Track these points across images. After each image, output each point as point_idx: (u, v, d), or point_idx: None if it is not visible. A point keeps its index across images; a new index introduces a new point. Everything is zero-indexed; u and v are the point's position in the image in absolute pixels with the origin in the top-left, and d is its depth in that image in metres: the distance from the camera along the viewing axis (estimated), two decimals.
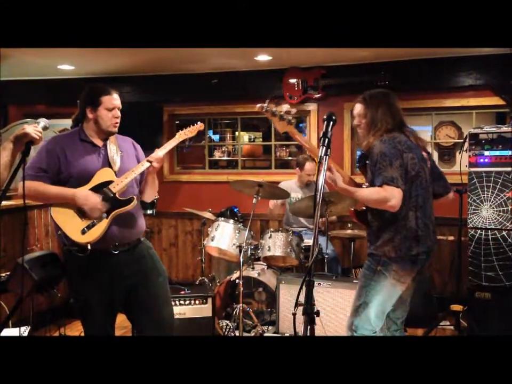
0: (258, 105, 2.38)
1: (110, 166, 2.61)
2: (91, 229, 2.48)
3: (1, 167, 1.97)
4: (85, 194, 2.49)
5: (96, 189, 2.53)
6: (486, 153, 3.98)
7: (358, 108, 2.63)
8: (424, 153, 2.60)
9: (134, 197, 2.61)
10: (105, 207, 2.51)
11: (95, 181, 2.55)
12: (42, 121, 2.14)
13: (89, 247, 2.46)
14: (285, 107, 2.37)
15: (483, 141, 4.00)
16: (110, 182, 2.56)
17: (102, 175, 2.57)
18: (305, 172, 4.64)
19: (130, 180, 2.60)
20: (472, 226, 4.01)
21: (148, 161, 2.63)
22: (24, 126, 2.04)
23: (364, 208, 2.64)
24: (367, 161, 2.52)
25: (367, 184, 2.58)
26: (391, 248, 2.46)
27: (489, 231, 3.94)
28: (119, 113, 2.63)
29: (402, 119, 2.61)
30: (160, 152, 2.67)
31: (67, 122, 2.80)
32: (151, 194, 2.81)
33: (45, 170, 2.51)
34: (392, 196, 2.34)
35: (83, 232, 2.46)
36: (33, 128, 2.04)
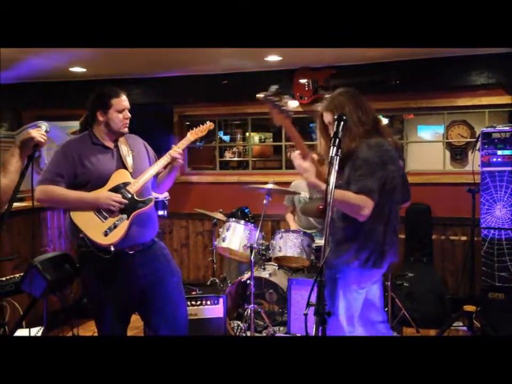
0: (261, 94, 2.27)
1: (124, 167, 2.64)
2: (113, 231, 2.51)
3: (13, 173, 2.01)
4: (106, 195, 2.52)
5: (114, 191, 2.56)
6: (499, 152, 3.95)
7: (327, 116, 2.46)
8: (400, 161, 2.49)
9: (152, 197, 2.65)
10: (126, 203, 2.55)
11: (112, 183, 2.58)
12: (43, 125, 2.16)
13: (112, 248, 2.48)
14: (286, 98, 2.29)
15: (496, 140, 3.97)
16: (127, 183, 2.60)
17: (118, 177, 2.60)
18: None
19: (146, 179, 2.64)
20: (485, 226, 3.97)
21: (173, 157, 2.68)
22: (28, 130, 2.08)
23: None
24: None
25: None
26: (355, 260, 2.37)
27: (503, 231, 3.90)
28: (129, 114, 2.66)
29: (374, 115, 2.46)
30: (179, 149, 2.71)
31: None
32: (166, 187, 2.87)
33: (62, 175, 2.54)
34: (365, 206, 2.26)
35: (105, 234, 2.49)
36: (38, 132, 2.08)
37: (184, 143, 2.80)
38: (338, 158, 1.91)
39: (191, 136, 2.86)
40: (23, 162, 2.04)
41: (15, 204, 2.59)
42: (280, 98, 2.28)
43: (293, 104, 2.31)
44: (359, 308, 2.49)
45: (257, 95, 2.28)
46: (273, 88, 2.27)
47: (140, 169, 2.67)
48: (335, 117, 2.06)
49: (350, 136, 2.32)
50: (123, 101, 2.64)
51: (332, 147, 1.93)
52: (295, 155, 2.42)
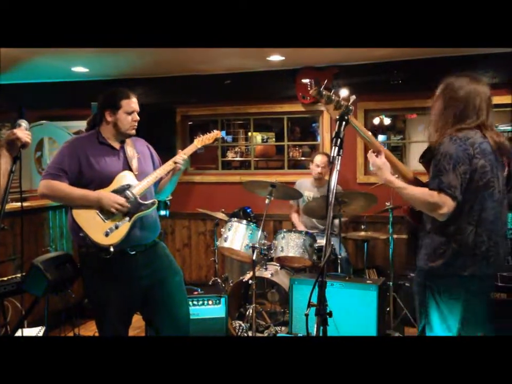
0: (313, 89, 2.11)
1: (130, 169, 2.63)
2: (114, 231, 2.51)
3: (2, 174, 2.00)
4: (110, 196, 2.52)
5: (118, 192, 2.56)
6: None
7: (434, 100, 2.31)
8: (504, 159, 2.23)
9: (156, 200, 2.65)
10: (128, 207, 2.54)
11: (116, 183, 2.58)
12: (23, 122, 2.14)
13: (111, 249, 2.48)
14: (343, 92, 2.15)
15: None
16: (131, 185, 2.60)
17: (123, 178, 2.60)
18: (314, 162, 4.66)
19: (151, 182, 2.64)
20: None
21: (175, 162, 2.68)
22: (13, 130, 2.06)
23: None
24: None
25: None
26: (440, 264, 2.15)
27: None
28: (137, 117, 2.67)
29: (486, 118, 2.19)
30: (185, 155, 2.73)
31: (81, 124, 2.83)
32: (168, 192, 2.87)
33: (65, 171, 2.54)
34: (444, 204, 2.07)
35: (106, 234, 2.49)
36: (22, 131, 2.06)
37: (191, 148, 2.81)
38: (340, 158, 1.89)
39: (198, 143, 2.87)
40: (12, 163, 2.03)
41: (17, 204, 2.60)
42: (335, 93, 2.12)
43: (343, 94, 2.13)
44: (458, 320, 2.18)
45: (311, 91, 2.13)
46: (323, 83, 2.12)
47: (145, 172, 2.68)
48: (337, 117, 2.03)
49: (444, 124, 2.20)
50: (133, 103, 2.65)
51: (333, 147, 1.91)
52: (370, 153, 2.26)
